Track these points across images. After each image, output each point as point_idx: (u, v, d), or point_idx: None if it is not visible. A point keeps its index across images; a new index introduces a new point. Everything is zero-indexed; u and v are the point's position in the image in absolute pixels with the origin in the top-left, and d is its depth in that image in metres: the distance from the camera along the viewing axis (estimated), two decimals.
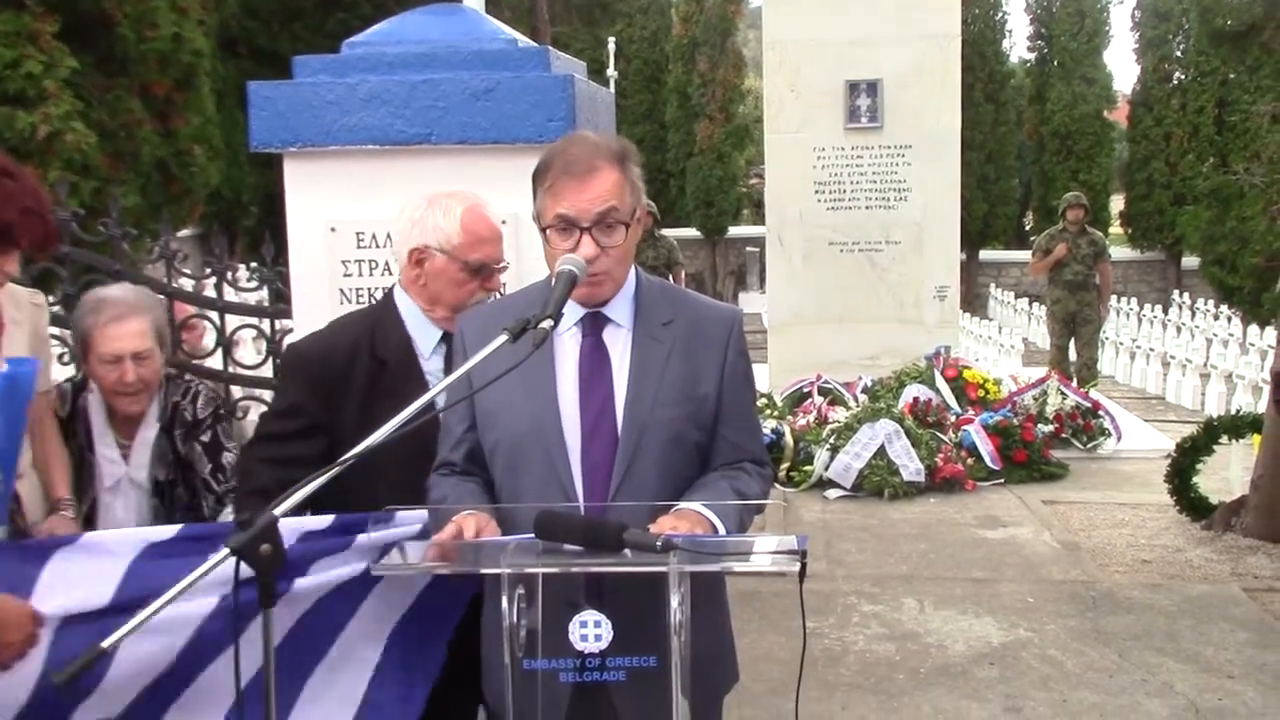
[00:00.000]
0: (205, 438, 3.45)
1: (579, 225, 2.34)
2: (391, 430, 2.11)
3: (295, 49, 5.48)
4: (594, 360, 2.45)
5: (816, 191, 10.50)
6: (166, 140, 12.44)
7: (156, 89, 11.79)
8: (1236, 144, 20.85)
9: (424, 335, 2.93)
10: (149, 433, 3.39)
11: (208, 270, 4.81)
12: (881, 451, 8.32)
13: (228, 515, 3.37)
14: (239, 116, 13.82)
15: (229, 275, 4.76)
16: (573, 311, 2.43)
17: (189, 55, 12.17)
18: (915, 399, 9.14)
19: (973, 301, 22.56)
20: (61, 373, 3.95)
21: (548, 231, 2.39)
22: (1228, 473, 8.17)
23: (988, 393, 9.65)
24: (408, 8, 4.12)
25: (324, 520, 2.59)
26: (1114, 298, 17.92)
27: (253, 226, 19.72)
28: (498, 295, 2.97)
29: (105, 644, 1.89)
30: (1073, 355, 12.17)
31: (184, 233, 16.88)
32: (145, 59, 11.55)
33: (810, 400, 9.57)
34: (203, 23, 13.14)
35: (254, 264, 5.57)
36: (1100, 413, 9.76)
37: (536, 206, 2.42)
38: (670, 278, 10.35)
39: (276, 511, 2.00)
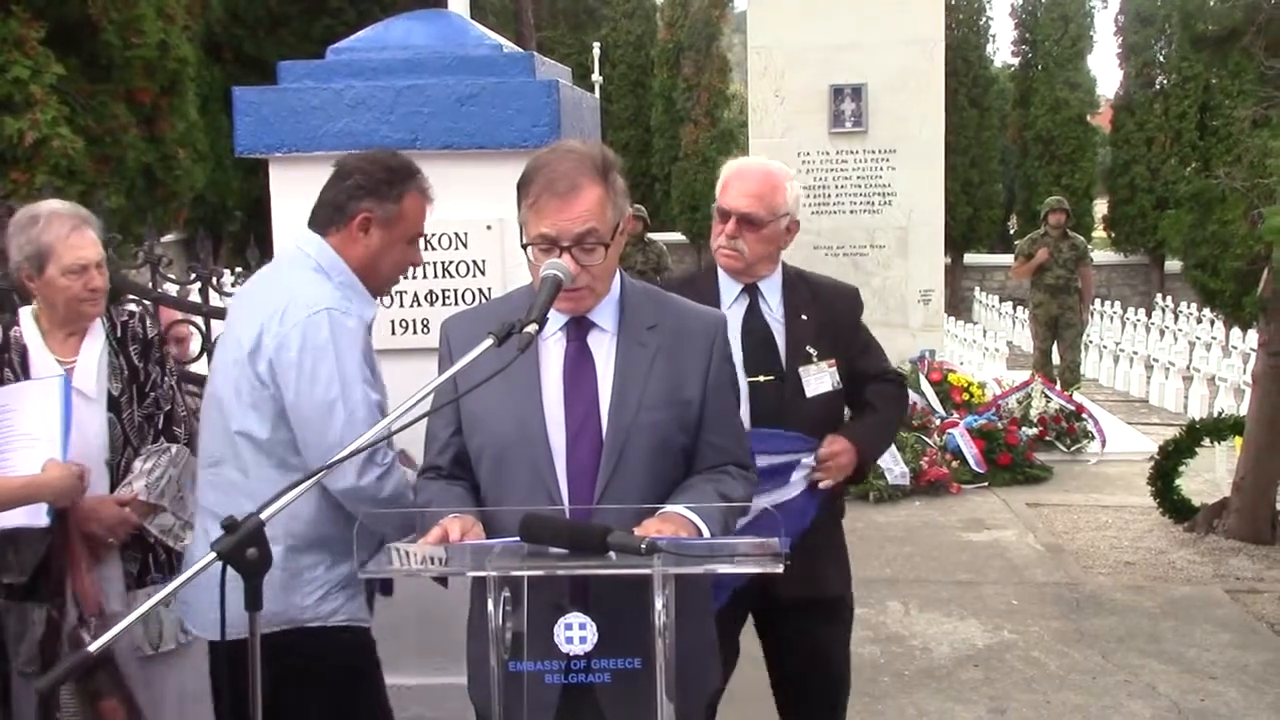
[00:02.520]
0: (158, 355, 3.48)
1: (559, 244, 2.36)
2: (386, 427, 2.13)
3: (281, 54, 5.49)
4: (579, 364, 2.47)
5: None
6: (151, 145, 12.40)
7: (142, 96, 11.76)
8: (1218, 148, 20.94)
9: (729, 289, 3.30)
10: (95, 346, 3.38)
11: (193, 275, 4.80)
12: None
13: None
14: (224, 122, 13.80)
15: (214, 280, 4.75)
16: (557, 316, 2.45)
17: (174, 63, 12.14)
18: None
19: (957, 305, 22.61)
20: None
21: (529, 248, 2.41)
22: (1213, 475, 8.23)
23: (972, 396, 9.69)
24: (393, 13, 4.13)
25: None
26: (1097, 301, 17.99)
27: (237, 231, 19.68)
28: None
29: (92, 649, 1.91)
30: (1056, 359, 12.23)
31: (169, 238, 16.83)
32: (131, 65, 11.53)
33: None
34: (188, 28, 13.12)
35: (239, 269, 5.57)
36: (1084, 416, 9.81)
37: (520, 219, 2.44)
38: (659, 282, 10.37)
39: (263, 515, 2.01)
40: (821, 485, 3.22)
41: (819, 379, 3.22)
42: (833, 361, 3.26)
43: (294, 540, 2.84)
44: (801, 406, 3.20)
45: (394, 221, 2.91)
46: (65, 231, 3.29)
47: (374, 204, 2.90)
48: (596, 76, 26.03)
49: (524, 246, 2.42)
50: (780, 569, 2.13)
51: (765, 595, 3.18)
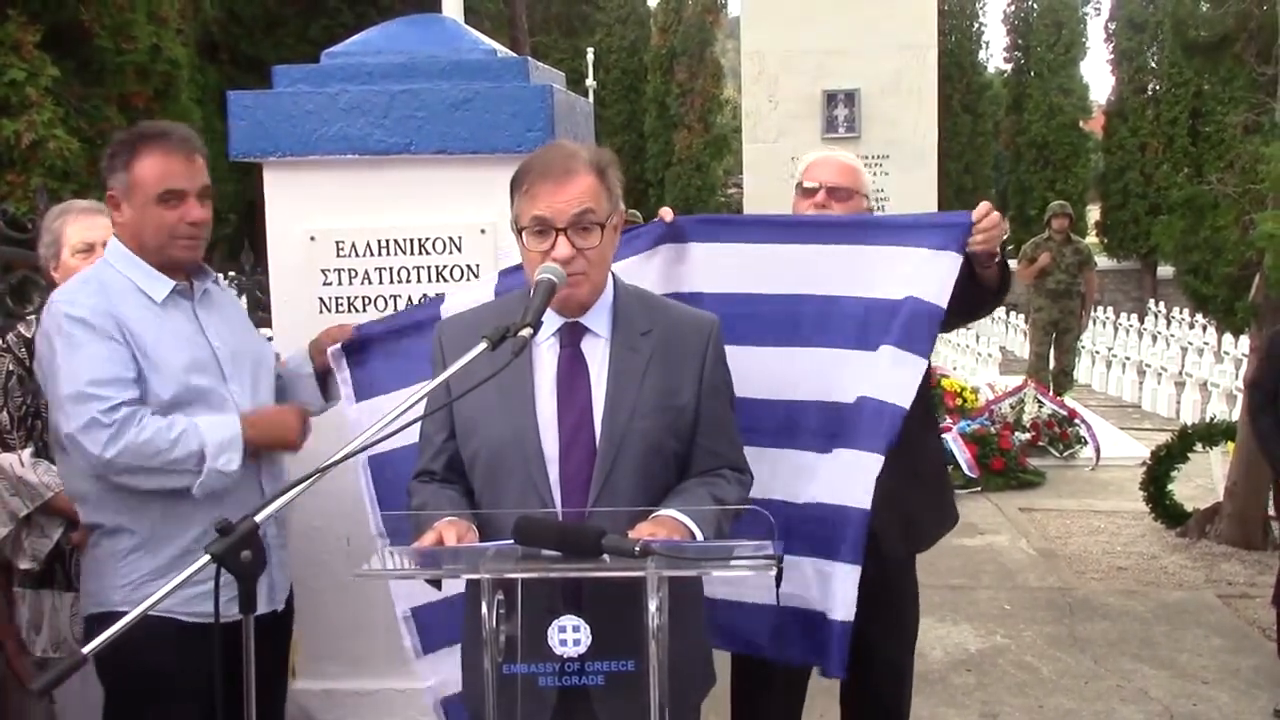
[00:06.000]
0: None
1: (554, 227, 2.35)
2: (378, 433, 2.14)
3: (278, 55, 5.50)
4: (572, 370, 2.46)
5: None
6: None
7: (136, 99, 11.76)
8: (1210, 154, 21.05)
9: None
10: None
11: None
12: None
13: None
14: (218, 124, 13.78)
15: None
16: (551, 321, 2.45)
17: (166, 65, 12.13)
18: None
19: None
20: None
21: (524, 234, 2.40)
22: (1205, 480, 8.24)
23: (965, 401, 9.71)
24: (389, 16, 4.13)
25: None
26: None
27: (231, 235, 19.66)
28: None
29: (85, 651, 1.91)
30: (1052, 363, 12.27)
31: None
32: (123, 70, 11.54)
33: None
34: (181, 31, 13.11)
35: (232, 273, 5.58)
36: (1076, 421, 9.83)
37: (514, 211, 2.43)
38: None
39: (257, 518, 2.01)
40: (974, 247, 3.05)
41: None
42: None
43: (104, 522, 2.88)
44: None
45: (132, 190, 2.86)
46: (75, 216, 3.39)
47: (112, 181, 2.89)
48: (590, 82, 26.05)
49: (519, 233, 2.42)
50: (774, 572, 2.13)
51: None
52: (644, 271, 3.03)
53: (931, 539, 3.62)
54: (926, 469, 3.52)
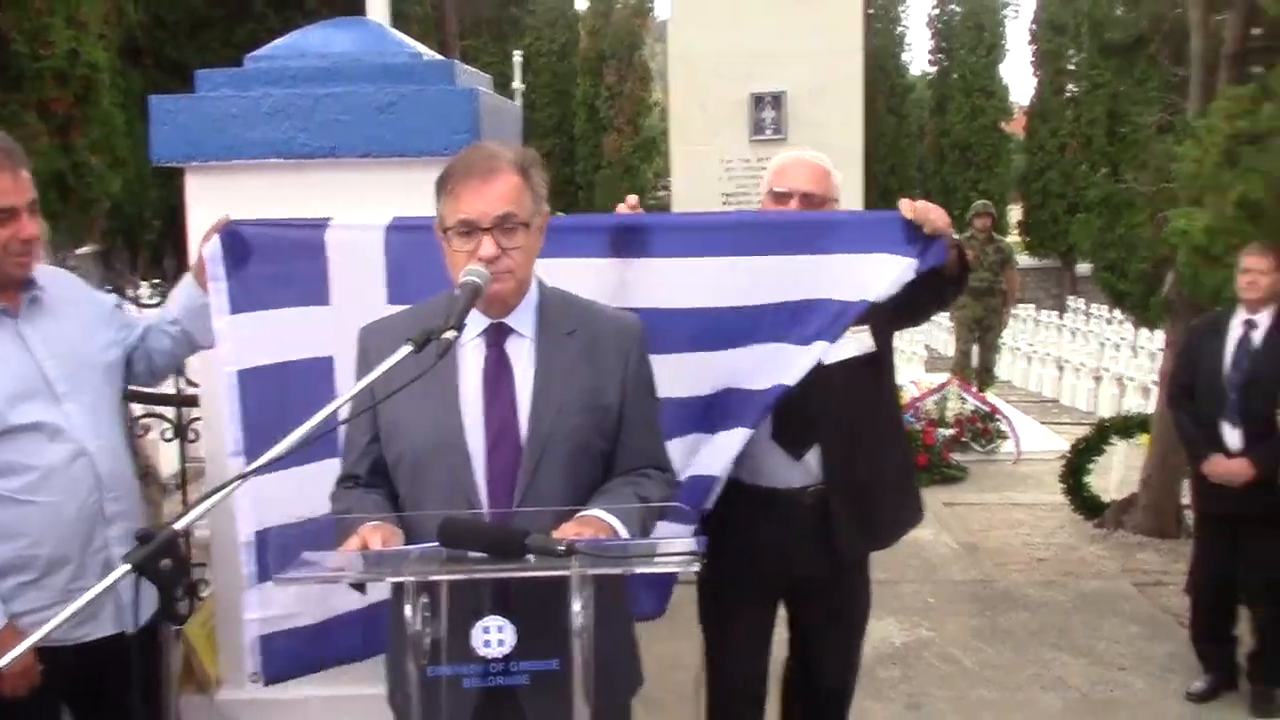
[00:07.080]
0: None
1: (479, 227, 2.37)
2: (296, 443, 2.13)
3: (203, 59, 5.43)
4: (497, 371, 2.48)
5: (724, 203, 10.57)
6: (63, 153, 12.10)
7: (56, 105, 11.51)
8: (1127, 154, 21.46)
9: None
10: None
11: (109, 287, 4.74)
12: None
13: None
14: (142, 129, 13.56)
15: (131, 291, 4.69)
16: (476, 322, 2.46)
17: (85, 69, 11.90)
18: None
19: None
20: None
21: (449, 235, 2.41)
22: (1121, 472, 8.44)
23: None
24: (313, 20, 4.10)
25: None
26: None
27: (155, 241, 19.32)
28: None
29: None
30: (975, 360, 12.48)
31: (84, 249, 16.47)
32: (41, 75, 11.30)
33: None
34: (104, 36, 12.87)
35: (156, 280, 5.52)
36: (997, 416, 10.01)
37: (439, 213, 2.44)
38: None
39: (177, 526, 2.00)
40: (929, 230, 3.00)
41: (841, 344, 3.12)
42: (864, 326, 3.18)
43: None
44: (821, 373, 3.09)
45: None
46: None
47: None
48: (518, 84, 25.97)
49: (444, 233, 2.42)
50: (697, 569, 2.17)
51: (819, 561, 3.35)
52: (595, 281, 3.02)
53: (893, 536, 3.62)
54: (890, 467, 3.52)
